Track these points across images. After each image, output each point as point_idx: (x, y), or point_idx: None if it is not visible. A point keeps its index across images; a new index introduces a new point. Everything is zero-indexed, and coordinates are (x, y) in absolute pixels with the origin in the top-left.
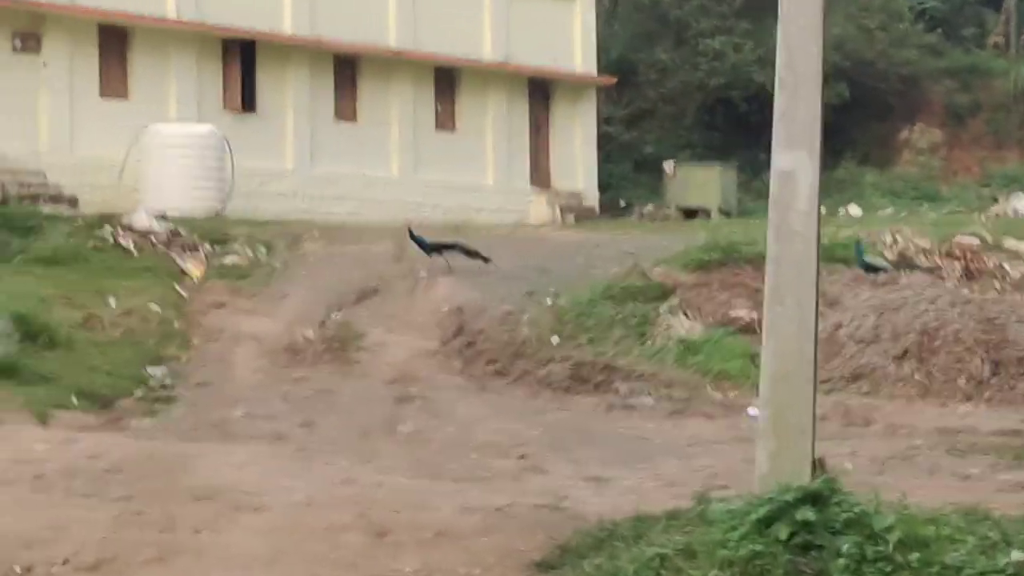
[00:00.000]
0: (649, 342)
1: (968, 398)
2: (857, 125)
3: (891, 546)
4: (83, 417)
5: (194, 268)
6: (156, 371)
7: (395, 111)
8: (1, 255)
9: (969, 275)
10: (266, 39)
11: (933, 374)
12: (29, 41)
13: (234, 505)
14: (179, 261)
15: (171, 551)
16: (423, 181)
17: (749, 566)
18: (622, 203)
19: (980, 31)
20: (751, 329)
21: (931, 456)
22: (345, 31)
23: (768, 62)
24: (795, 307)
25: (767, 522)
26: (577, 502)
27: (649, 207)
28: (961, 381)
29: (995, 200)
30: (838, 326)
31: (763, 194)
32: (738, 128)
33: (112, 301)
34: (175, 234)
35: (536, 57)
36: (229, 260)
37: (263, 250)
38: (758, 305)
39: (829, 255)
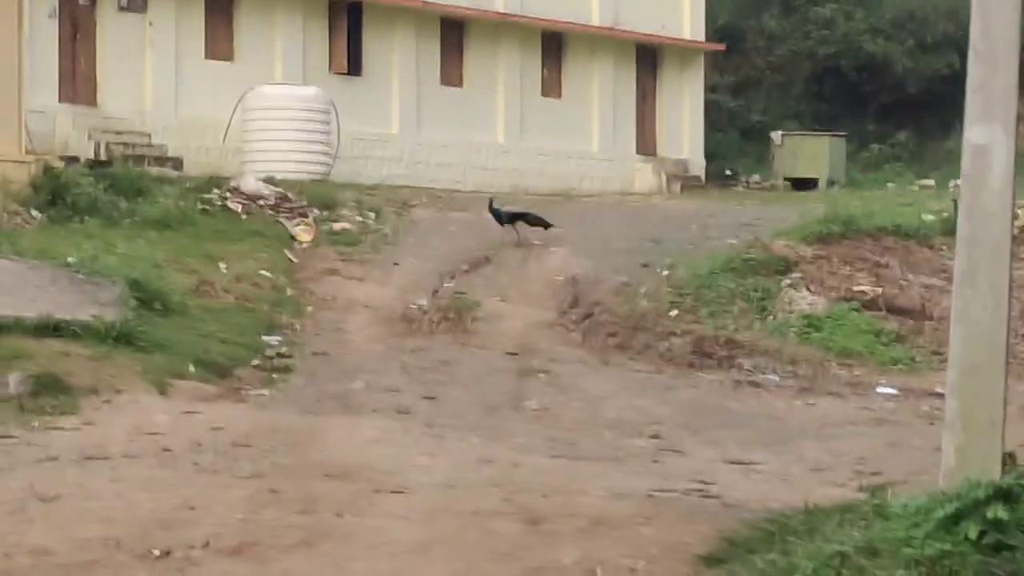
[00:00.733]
0: (771, 317)
1: None
2: None
3: None
4: (201, 387)
5: (304, 233)
6: (272, 339)
7: (501, 76)
8: (110, 218)
9: None
10: (373, 1)
11: None
12: (135, 0)
13: (373, 485)
14: (288, 226)
15: (315, 535)
16: (528, 148)
17: (937, 566)
18: (728, 172)
19: None
20: (875, 305)
21: None
22: None
23: (880, 31)
24: (988, 292)
25: (954, 520)
26: (726, 488)
27: (755, 177)
28: None
29: None
30: None
31: (871, 165)
32: (846, 98)
33: (223, 266)
34: (283, 198)
35: (644, 23)
36: (338, 226)
37: (372, 216)
38: (881, 280)
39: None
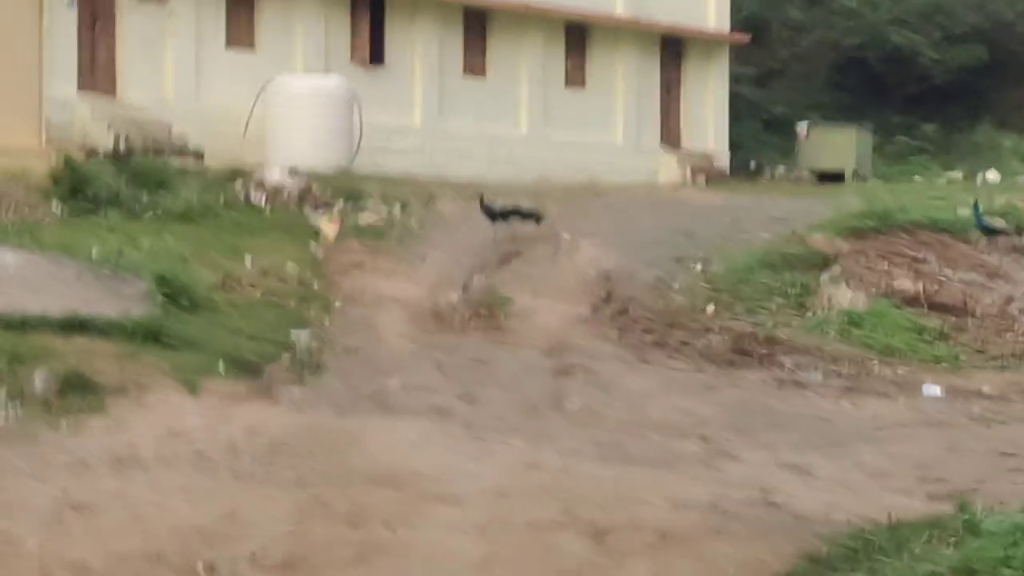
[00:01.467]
0: (810, 313)
1: None
2: (995, 88)
3: None
4: (232, 385)
5: (329, 227)
6: (301, 336)
7: (524, 67)
8: (131, 211)
9: None
10: None
11: None
12: None
13: (421, 494)
14: (313, 219)
15: (368, 550)
16: (551, 139)
17: None
18: (752, 164)
19: None
20: (916, 301)
21: None
22: None
23: (906, 22)
24: None
25: None
26: (789, 497)
27: (780, 169)
28: None
29: None
30: (1009, 300)
31: (897, 157)
32: (871, 89)
33: (248, 260)
34: (307, 191)
35: (668, 13)
36: (364, 218)
37: (397, 208)
38: (920, 275)
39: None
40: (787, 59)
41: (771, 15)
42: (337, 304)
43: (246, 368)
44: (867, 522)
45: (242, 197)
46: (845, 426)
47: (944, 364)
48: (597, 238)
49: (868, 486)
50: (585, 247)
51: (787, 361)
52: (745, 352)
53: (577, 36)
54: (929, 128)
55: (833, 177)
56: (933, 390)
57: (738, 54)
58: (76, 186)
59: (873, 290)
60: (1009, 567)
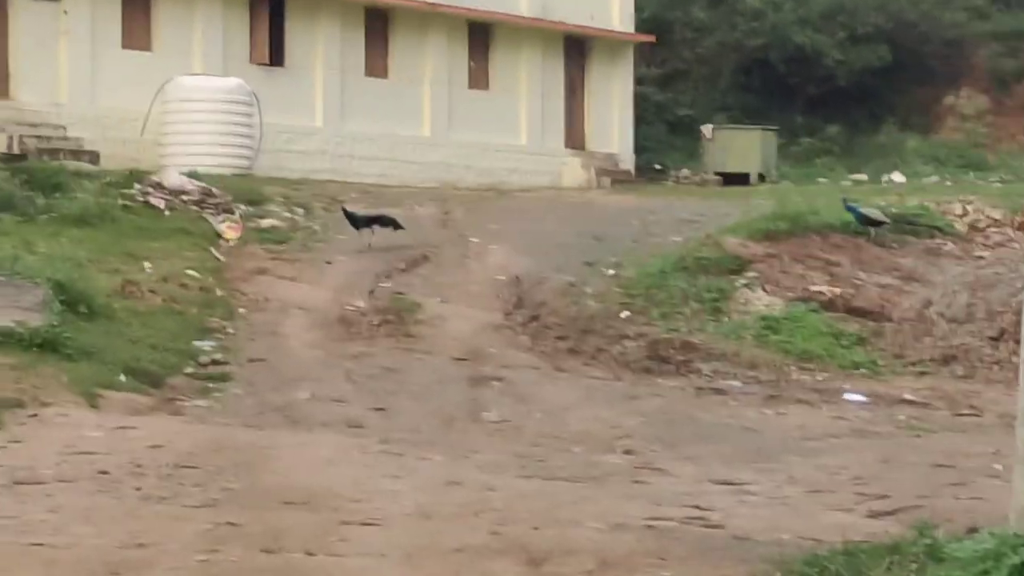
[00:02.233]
0: (726, 318)
1: None
2: (899, 89)
3: None
4: (134, 398)
5: (230, 231)
6: (205, 345)
7: (428, 68)
8: (26, 215)
9: None
10: None
11: None
12: None
13: (340, 515)
14: (214, 223)
15: None
16: (455, 141)
17: None
18: (657, 167)
19: None
20: (833, 305)
21: None
22: None
23: (809, 22)
24: None
25: None
26: (727, 516)
27: (685, 171)
28: None
29: None
30: (927, 303)
31: (801, 159)
32: (775, 91)
33: (148, 266)
34: (207, 193)
35: (573, 14)
36: (266, 222)
37: (300, 212)
38: (835, 279)
39: (897, 228)
40: (691, 60)
41: (674, 16)
42: (241, 311)
43: (148, 379)
44: (814, 544)
45: (141, 200)
46: (773, 437)
47: (863, 370)
48: (505, 242)
49: (806, 503)
50: (494, 251)
51: (705, 368)
52: (662, 359)
53: (481, 36)
54: (833, 129)
55: (738, 179)
56: (855, 397)
57: (641, 55)
58: None
59: (790, 294)
60: None
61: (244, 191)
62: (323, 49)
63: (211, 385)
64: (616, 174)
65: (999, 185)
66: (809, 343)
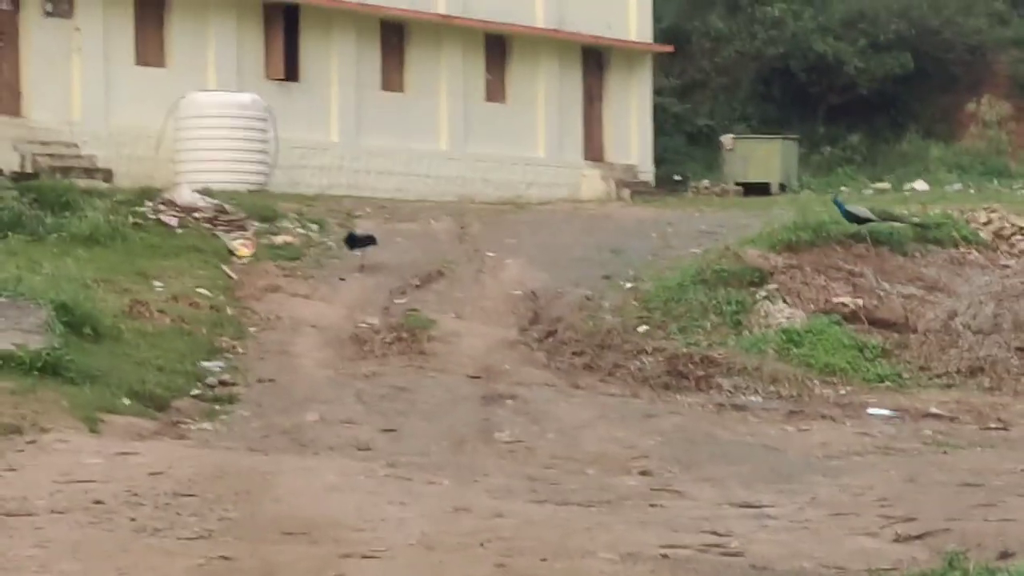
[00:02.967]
0: (746, 332)
1: None
2: (921, 97)
3: None
4: (137, 422)
5: (243, 248)
6: (213, 366)
7: (444, 81)
8: (34, 234)
9: None
10: (310, 4)
11: None
12: (61, 4)
13: (340, 547)
14: (226, 240)
15: None
16: (472, 155)
17: None
18: (677, 178)
19: None
20: (856, 317)
21: None
22: None
23: (829, 30)
24: None
25: None
26: (746, 542)
27: (705, 182)
28: None
29: None
30: (952, 314)
31: (823, 168)
32: (795, 100)
33: (157, 285)
34: (220, 210)
35: (590, 24)
36: (279, 239)
37: (314, 228)
38: (859, 290)
39: (920, 235)
40: (710, 70)
41: (692, 25)
42: (252, 330)
43: (153, 402)
44: (837, 572)
45: (152, 218)
46: (795, 456)
47: (888, 383)
48: (522, 256)
49: (829, 527)
50: (510, 266)
51: (725, 383)
52: (681, 374)
53: (497, 48)
54: (855, 138)
55: (759, 189)
56: (880, 411)
57: (659, 66)
58: None
59: (812, 306)
60: None
61: (258, 207)
62: (338, 63)
63: (217, 407)
64: (636, 186)
65: (1023, 192)
66: (832, 356)
